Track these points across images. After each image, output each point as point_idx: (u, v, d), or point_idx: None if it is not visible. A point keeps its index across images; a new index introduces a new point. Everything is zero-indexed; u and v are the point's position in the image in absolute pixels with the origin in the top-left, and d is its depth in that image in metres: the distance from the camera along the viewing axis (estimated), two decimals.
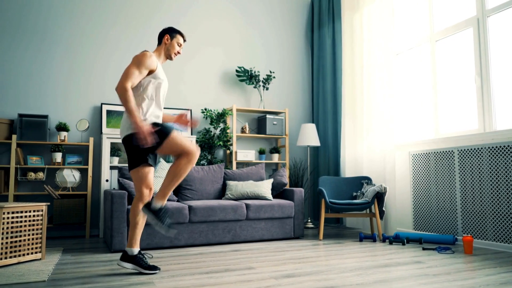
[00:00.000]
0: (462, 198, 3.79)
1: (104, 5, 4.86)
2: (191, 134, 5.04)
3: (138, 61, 2.69)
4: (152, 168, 2.80)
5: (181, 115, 3.04)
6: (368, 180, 4.54)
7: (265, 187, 4.33)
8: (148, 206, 2.64)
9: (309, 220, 5.24)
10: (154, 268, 2.74)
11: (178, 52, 2.97)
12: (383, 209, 4.19)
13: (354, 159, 5.09)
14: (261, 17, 5.71)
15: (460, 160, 3.82)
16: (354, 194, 4.55)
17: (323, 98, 5.62)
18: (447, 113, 4.21)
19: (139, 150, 2.70)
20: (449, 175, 3.92)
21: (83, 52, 4.72)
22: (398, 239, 3.86)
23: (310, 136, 5.23)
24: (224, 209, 3.90)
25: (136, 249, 2.77)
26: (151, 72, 2.76)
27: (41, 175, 4.31)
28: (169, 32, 2.93)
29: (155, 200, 2.65)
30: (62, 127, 4.37)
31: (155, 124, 2.71)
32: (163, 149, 2.67)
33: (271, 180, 4.47)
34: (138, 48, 4.97)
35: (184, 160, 2.66)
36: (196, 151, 2.68)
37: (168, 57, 2.95)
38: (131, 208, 2.79)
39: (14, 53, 4.44)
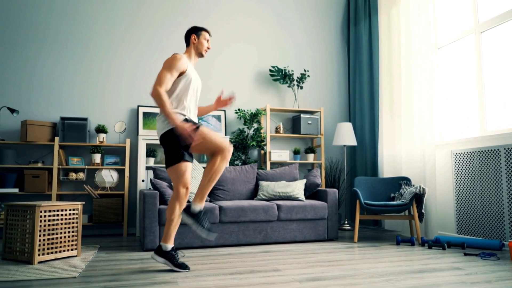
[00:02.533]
0: (509, 200, 3.51)
1: (138, 8, 4.99)
2: (225, 134, 5.06)
3: (168, 64, 2.73)
4: (190, 165, 2.82)
5: (219, 98, 3.08)
6: (406, 180, 4.33)
7: (297, 188, 4.25)
8: (187, 210, 2.70)
9: (346, 222, 5.09)
10: (185, 266, 2.78)
11: (208, 48, 3.01)
12: (423, 211, 3.97)
13: (392, 159, 4.88)
14: (294, 15, 5.63)
15: (507, 159, 3.54)
16: (392, 195, 4.35)
17: (360, 96, 5.44)
18: (494, 109, 3.92)
19: (176, 147, 2.74)
20: (495, 176, 3.64)
21: (120, 57, 4.88)
22: (438, 243, 3.64)
23: (346, 135, 5.08)
24: (255, 209, 3.87)
25: (170, 245, 2.82)
26: (182, 73, 2.80)
27: (81, 175, 4.49)
28: (195, 32, 2.97)
29: (194, 203, 2.71)
30: (100, 129, 4.53)
31: (184, 121, 2.74)
32: (196, 146, 2.72)
33: (304, 181, 4.38)
34: (173, 48, 5.06)
35: (218, 159, 2.70)
36: (229, 147, 2.72)
37: (199, 55, 2.99)
38: (168, 205, 2.85)
39: (56, 60, 4.67)
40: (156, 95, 2.64)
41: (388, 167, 4.91)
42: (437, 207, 4.25)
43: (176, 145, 2.75)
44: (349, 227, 5.01)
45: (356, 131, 5.45)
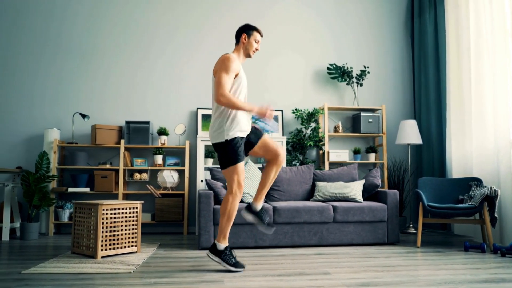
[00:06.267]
0: None
1: (196, 15, 5.14)
2: (283, 135, 5.03)
3: (225, 66, 2.74)
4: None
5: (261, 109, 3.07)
6: (477, 181, 3.97)
7: (355, 189, 4.09)
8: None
9: (411, 225, 4.80)
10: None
11: (256, 49, 2.97)
12: (495, 215, 3.62)
13: (462, 158, 4.50)
14: (353, 10, 5.44)
15: None
16: (461, 197, 4.02)
17: (426, 91, 5.10)
18: None
19: (231, 154, 2.79)
20: None
21: (179, 62, 5.07)
22: None
23: (410, 133, 4.79)
24: (309, 210, 3.79)
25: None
26: (235, 75, 2.81)
27: (145, 175, 4.73)
28: (246, 30, 2.92)
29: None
30: (162, 132, 4.74)
31: (235, 142, 2.77)
32: (224, 172, 2.84)
33: (363, 181, 4.21)
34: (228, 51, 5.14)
35: (229, 198, 2.80)
36: (236, 195, 2.80)
37: (247, 55, 2.96)
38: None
39: (121, 69, 4.97)
40: (223, 99, 2.68)
41: (457, 167, 4.54)
42: None
43: (229, 153, 2.79)
44: (413, 231, 4.72)
45: (421, 129, 5.13)
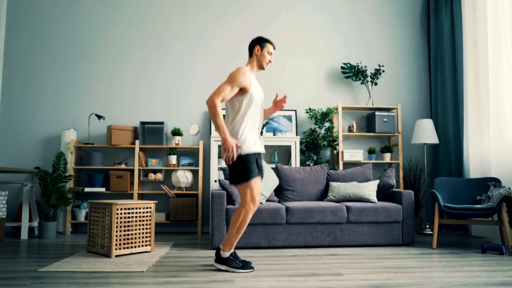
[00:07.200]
0: None
1: (208, 19, 5.17)
2: (296, 135, 5.01)
3: (231, 78, 2.72)
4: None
5: (275, 101, 3.05)
6: (495, 181, 3.88)
7: (369, 189, 4.04)
8: (218, 259, 2.84)
9: (427, 226, 4.72)
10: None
11: (270, 61, 2.95)
12: None
13: (480, 158, 4.40)
14: (368, 7, 5.38)
15: None
16: (478, 198, 3.93)
17: (442, 89, 5.01)
18: None
19: (244, 168, 2.72)
20: None
21: (193, 62, 5.10)
22: None
23: (426, 132, 4.71)
24: (322, 211, 3.77)
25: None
26: (245, 90, 2.77)
27: (159, 175, 4.78)
28: (259, 42, 2.91)
29: (223, 252, 2.82)
30: (176, 132, 4.78)
31: (246, 158, 2.72)
32: (237, 187, 2.78)
33: (377, 182, 4.16)
34: (243, 54, 5.15)
35: (241, 212, 2.75)
36: (250, 209, 2.74)
37: (260, 67, 2.93)
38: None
39: (135, 70, 5.04)
40: (211, 104, 2.63)
41: (474, 167, 4.45)
42: None
43: (242, 169, 2.72)
44: (430, 232, 4.64)
45: (438, 128, 5.04)
